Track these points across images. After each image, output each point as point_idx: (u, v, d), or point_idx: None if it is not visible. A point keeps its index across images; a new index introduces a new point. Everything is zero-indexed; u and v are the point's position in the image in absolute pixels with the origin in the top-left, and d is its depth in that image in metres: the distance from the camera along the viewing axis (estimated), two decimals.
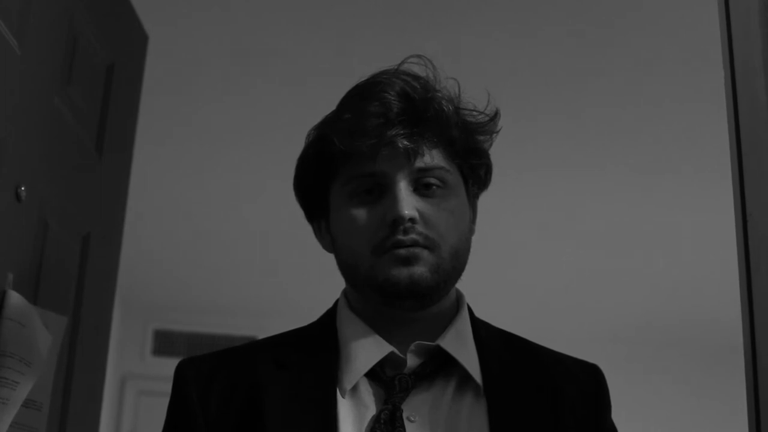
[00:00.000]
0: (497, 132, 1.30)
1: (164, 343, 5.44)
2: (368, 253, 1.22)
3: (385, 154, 1.21)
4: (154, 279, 4.99)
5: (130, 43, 2.09)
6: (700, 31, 2.64)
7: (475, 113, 1.30)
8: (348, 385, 1.21)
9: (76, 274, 1.80)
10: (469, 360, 1.24)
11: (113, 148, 1.96)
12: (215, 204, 4.06)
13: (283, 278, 4.79)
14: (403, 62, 1.30)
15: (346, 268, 1.27)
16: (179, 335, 5.46)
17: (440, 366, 1.23)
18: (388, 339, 1.23)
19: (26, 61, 1.53)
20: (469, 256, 1.27)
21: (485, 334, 1.29)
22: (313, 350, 1.26)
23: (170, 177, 3.82)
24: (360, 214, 1.23)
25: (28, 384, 1.43)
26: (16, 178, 1.50)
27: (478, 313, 1.33)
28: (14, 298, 1.44)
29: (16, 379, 1.41)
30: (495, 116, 1.30)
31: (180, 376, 1.27)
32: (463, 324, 1.27)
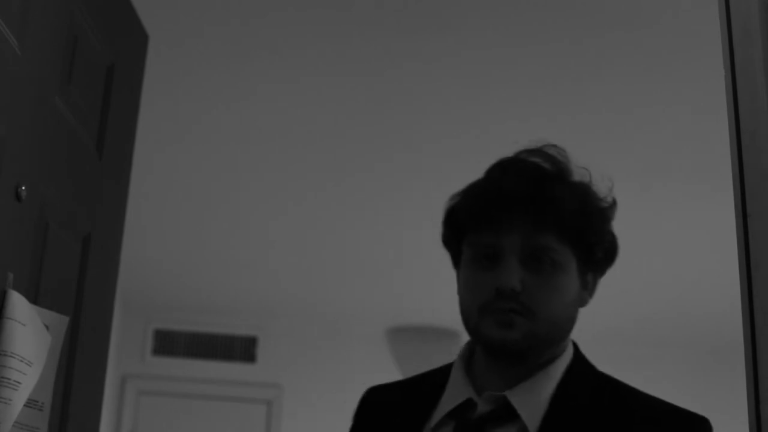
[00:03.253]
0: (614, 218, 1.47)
1: (164, 343, 5.45)
2: (476, 311, 1.40)
3: (506, 229, 1.39)
4: (154, 279, 4.99)
5: (130, 43, 2.09)
6: (700, 32, 2.65)
7: (599, 201, 1.45)
8: (431, 423, 1.41)
9: (76, 274, 1.80)
10: (533, 412, 1.36)
11: (113, 148, 1.96)
12: (215, 204, 4.06)
13: (283, 278, 4.79)
14: (542, 146, 1.51)
15: (461, 315, 1.45)
16: (179, 335, 5.46)
17: (508, 413, 1.37)
18: (484, 382, 1.42)
19: (26, 61, 1.53)
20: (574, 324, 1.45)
21: (579, 385, 1.41)
22: (433, 388, 1.47)
23: (170, 177, 3.82)
24: (476, 276, 1.42)
25: (30, 384, 1.43)
26: (16, 178, 1.50)
27: None
28: (15, 297, 1.44)
29: (18, 379, 1.40)
30: (614, 204, 1.46)
31: (364, 401, 1.54)
32: (545, 376, 1.41)
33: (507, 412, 1.36)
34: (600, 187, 1.45)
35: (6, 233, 1.48)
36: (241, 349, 5.51)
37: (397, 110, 3.27)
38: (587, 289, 1.47)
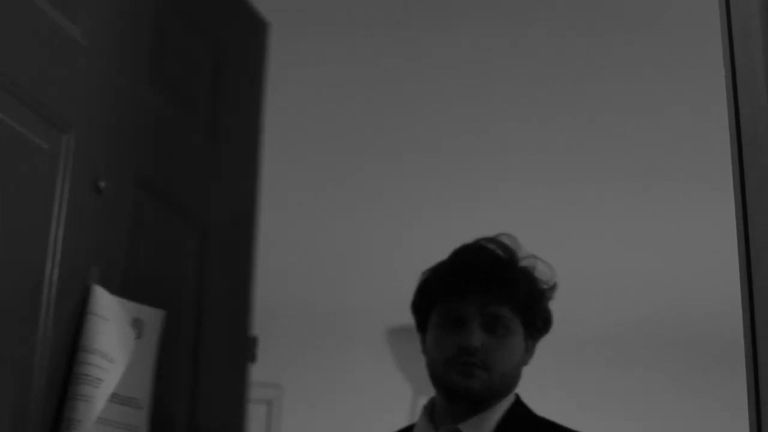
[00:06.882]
0: (553, 297, 1.86)
1: None
2: (442, 364, 1.77)
3: (470, 300, 1.76)
4: None
5: (245, 33, 2.03)
6: (700, 32, 2.65)
7: (542, 283, 1.84)
8: None
9: (193, 267, 1.77)
10: None
11: (232, 140, 1.92)
12: None
13: (283, 278, 4.79)
14: (498, 235, 1.83)
15: (428, 367, 1.82)
16: None
17: None
18: (441, 423, 1.77)
19: (98, 53, 1.50)
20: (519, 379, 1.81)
21: (518, 420, 1.75)
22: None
23: None
24: (445, 336, 1.78)
25: (112, 381, 1.42)
26: (94, 171, 1.47)
27: None
28: (98, 292, 1.43)
29: (99, 376, 1.39)
30: (554, 287, 1.86)
31: None
32: (493, 413, 1.75)
33: None
34: (545, 271, 1.83)
35: (87, 227, 1.45)
36: None
37: (397, 110, 3.27)
38: (529, 351, 1.83)
